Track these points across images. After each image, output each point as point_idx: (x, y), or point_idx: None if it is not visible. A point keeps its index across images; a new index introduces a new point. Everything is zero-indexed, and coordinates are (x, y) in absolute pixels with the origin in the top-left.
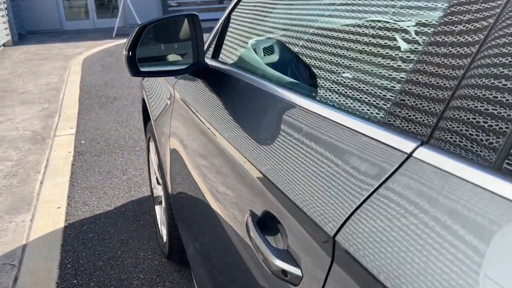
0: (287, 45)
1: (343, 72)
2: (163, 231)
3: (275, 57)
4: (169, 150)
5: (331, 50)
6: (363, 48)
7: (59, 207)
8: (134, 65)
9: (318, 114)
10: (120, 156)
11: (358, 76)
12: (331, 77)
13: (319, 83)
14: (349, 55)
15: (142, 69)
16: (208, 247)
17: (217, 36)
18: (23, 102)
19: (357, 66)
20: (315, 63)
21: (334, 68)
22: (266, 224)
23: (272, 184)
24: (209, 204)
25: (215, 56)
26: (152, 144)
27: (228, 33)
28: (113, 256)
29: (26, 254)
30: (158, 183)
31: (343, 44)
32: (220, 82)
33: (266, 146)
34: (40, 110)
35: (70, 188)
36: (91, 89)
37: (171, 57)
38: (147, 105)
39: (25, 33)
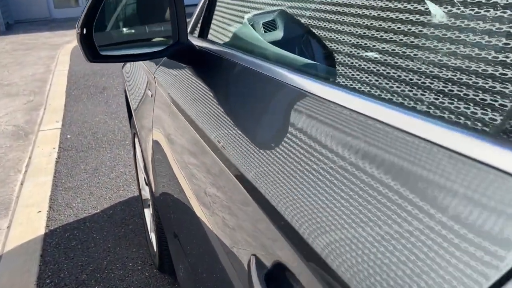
0: (294, 17)
1: (385, 50)
2: (153, 239)
3: (278, 34)
4: (151, 148)
5: (367, 14)
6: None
7: (39, 211)
8: (91, 47)
9: (357, 112)
10: (108, 151)
11: (417, 59)
12: (365, 58)
13: (354, 64)
14: (400, 19)
15: (103, 53)
16: (201, 277)
17: (204, 10)
18: (7, 95)
19: (417, 41)
20: (340, 37)
21: (370, 43)
22: (277, 278)
23: (289, 226)
24: (200, 219)
25: (203, 34)
26: (137, 141)
27: (218, 6)
28: (98, 267)
29: (0, 267)
30: (147, 184)
31: (389, 4)
32: (209, 67)
33: (275, 156)
34: (25, 102)
35: (53, 188)
36: (79, 79)
37: (143, 36)
38: (128, 96)
39: (12, 22)
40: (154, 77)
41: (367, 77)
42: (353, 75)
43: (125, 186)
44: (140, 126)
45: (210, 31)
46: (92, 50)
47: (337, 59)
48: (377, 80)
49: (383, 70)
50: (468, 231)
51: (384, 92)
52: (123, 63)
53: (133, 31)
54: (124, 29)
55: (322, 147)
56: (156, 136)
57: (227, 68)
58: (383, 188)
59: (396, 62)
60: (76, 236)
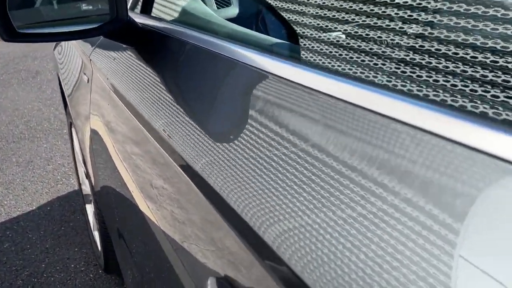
0: None
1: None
2: (97, 238)
3: (233, 11)
4: (89, 138)
5: None
6: None
7: None
8: (6, 23)
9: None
10: (43, 141)
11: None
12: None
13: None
14: None
15: (21, 30)
16: (148, 278)
17: None
18: None
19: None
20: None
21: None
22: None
23: (240, 219)
24: (146, 214)
25: (146, 10)
26: (74, 130)
27: None
28: (36, 271)
29: None
30: (87, 178)
31: None
32: (154, 46)
33: (227, 146)
34: None
35: None
36: (9, 63)
37: (73, 13)
38: (61, 81)
39: None
40: (90, 59)
41: (335, 54)
42: (319, 51)
43: (63, 180)
44: (75, 115)
45: (155, 5)
46: (8, 26)
47: (300, 34)
48: (347, 57)
49: (353, 45)
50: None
51: (355, 69)
52: (54, 44)
53: (60, 6)
54: (49, 5)
55: (281, 133)
56: (94, 125)
57: (174, 48)
58: (357, 180)
59: (368, 35)
60: (8, 237)
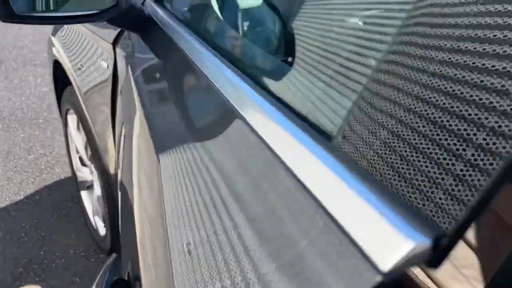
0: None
1: None
2: (98, 223)
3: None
4: (111, 131)
5: None
6: None
7: None
8: (5, 2)
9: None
10: (20, 131)
11: None
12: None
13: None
14: None
15: (18, 12)
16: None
17: None
18: None
19: None
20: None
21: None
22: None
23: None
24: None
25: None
26: (72, 118)
27: None
28: (35, 258)
29: None
30: (83, 164)
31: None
32: (155, 38)
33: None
34: None
35: None
36: None
37: None
38: (66, 68)
39: None
40: (113, 46)
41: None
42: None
43: (48, 169)
44: (89, 103)
45: None
46: (5, 7)
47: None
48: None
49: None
50: None
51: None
52: (52, 30)
53: None
54: None
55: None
56: (127, 118)
57: (170, 51)
58: None
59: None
60: (1, 227)
